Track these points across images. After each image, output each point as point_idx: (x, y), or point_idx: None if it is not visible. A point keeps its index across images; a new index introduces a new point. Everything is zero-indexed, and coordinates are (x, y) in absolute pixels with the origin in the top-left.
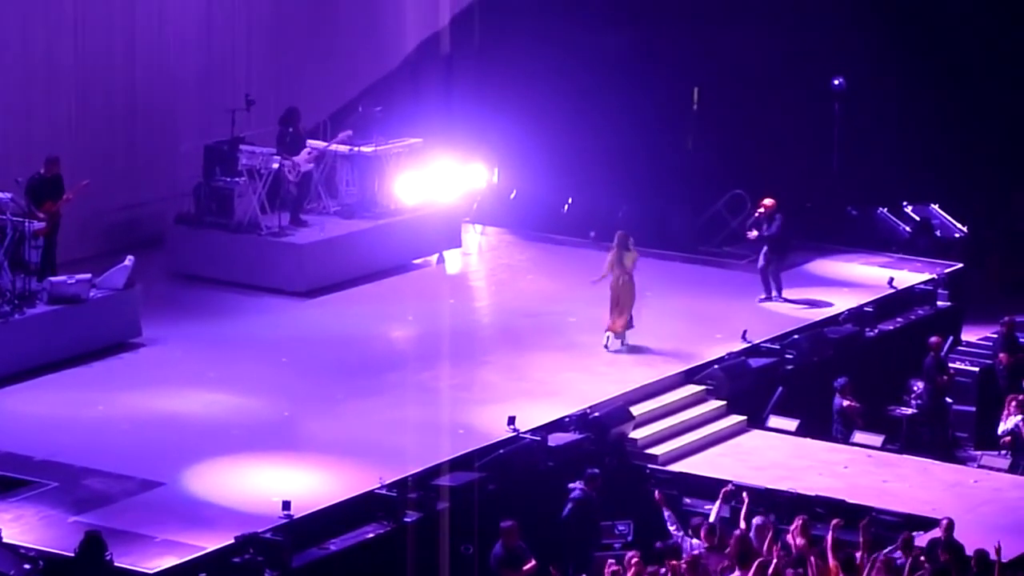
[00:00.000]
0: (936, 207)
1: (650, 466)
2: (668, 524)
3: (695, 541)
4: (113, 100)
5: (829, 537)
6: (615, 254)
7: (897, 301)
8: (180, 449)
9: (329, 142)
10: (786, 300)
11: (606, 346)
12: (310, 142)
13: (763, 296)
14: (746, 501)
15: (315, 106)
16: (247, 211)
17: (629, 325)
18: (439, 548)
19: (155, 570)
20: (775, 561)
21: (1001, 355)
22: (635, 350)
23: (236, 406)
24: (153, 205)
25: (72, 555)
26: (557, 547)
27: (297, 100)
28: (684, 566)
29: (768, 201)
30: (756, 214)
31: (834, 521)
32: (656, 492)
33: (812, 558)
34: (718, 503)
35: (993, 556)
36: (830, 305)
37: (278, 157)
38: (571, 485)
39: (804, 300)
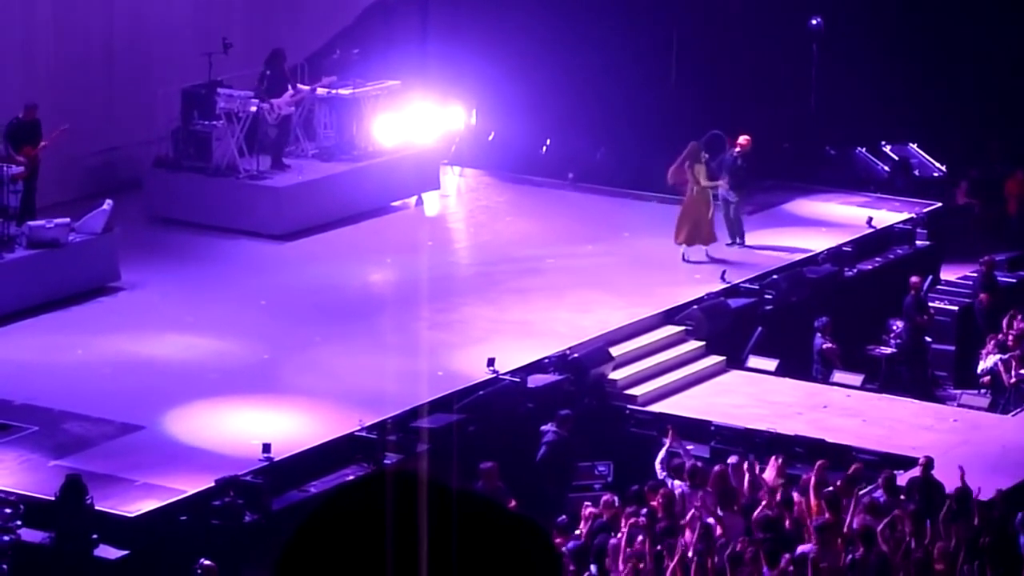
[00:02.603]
0: (914, 146)
1: (629, 407)
2: (658, 463)
3: (677, 482)
4: (91, 44)
5: (812, 478)
6: (686, 166)
7: (876, 241)
8: (159, 393)
9: (313, 86)
10: (747, 247)
11: (684, 257)
12: (298, 86)
13: (729, 241)
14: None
15: (292, 49)
16: (225, 154)
17: (712, 238)
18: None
19: (136, 513)
20: (763, 503)
21: (981, 295)
22: (616, 289)
23: (215, 350)
24: (131, 149)
25: (53, 499)
26: (535, 488)
27: (274, 43)
28: (659, 505)
29: (743, 139)
30: (734, 153)
31: (819, 462)
32: (670, 428)
33: (796, 497)
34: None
35: (977, 496)
36: (809, 247)
37: (256, 100)
38: (544, 428)
39: (783, 241)
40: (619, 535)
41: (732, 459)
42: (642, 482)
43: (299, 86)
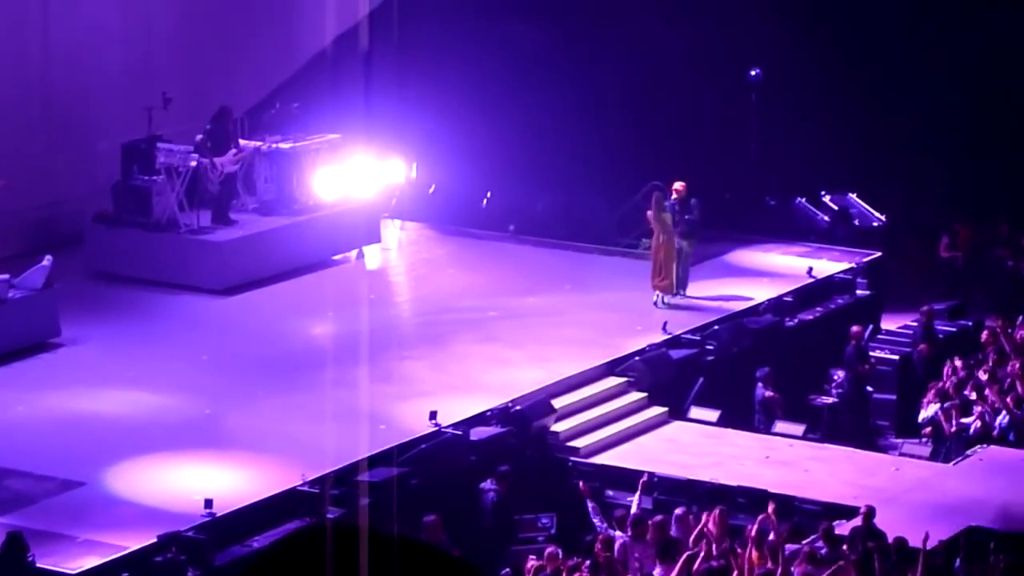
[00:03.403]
0: (854, 196)
1: (572, 459)
2: (592, 516)
3: (618, 533)
4: (29, 99)
5: (754, 528)
6: (655, 214)
7: (816, 290)
8: (101, 449)
9: (258, 145)
10: (689, 297)
11: (656, 303)
12: (242, 142)
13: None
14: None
15: (232, 103)
16: (166, 209)
17: (672, 288)
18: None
19: (77, 570)
20: (702, 553)
21: (921, 345)
22: (558, 341)
23: (157, 405)
24: (71, 204)
25: None
26: (478, 542)
27: (215, 97)
28: (603, 557)
29: (679, 185)
30: (668, 201)
31: (760, 516)
32: (580, 483)
33: (738, 549)
34: (638, 494)
35: (919, 545)
36: (750, 297)
37: (196, 155)
38: (483, 485)
39: (723, 291)
40: None
41: (679, 510)
42: (584, 534)
43: (243, 143)
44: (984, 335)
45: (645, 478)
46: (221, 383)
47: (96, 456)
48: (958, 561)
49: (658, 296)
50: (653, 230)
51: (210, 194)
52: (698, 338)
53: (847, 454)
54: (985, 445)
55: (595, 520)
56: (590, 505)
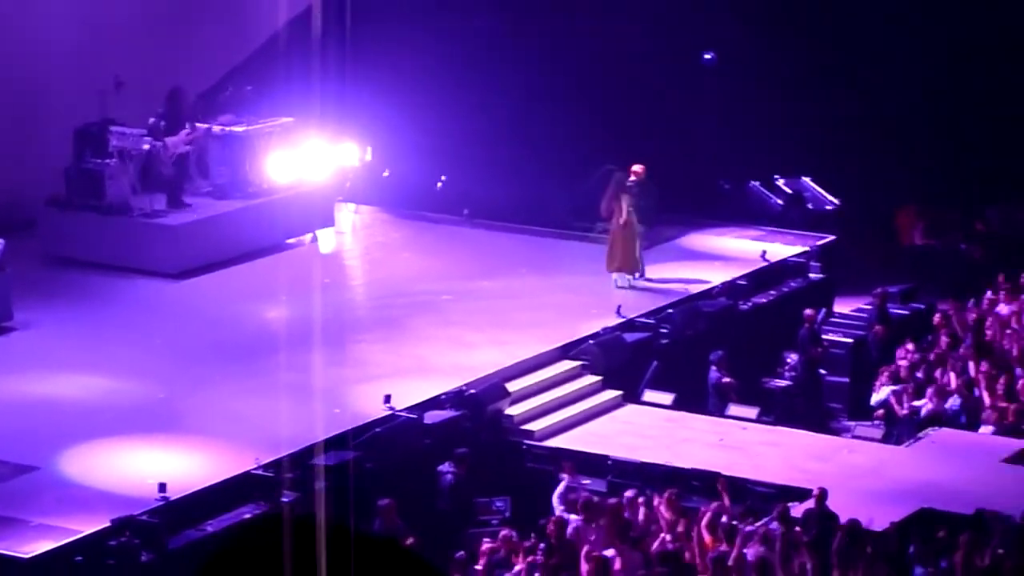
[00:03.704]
0: (808, 180)
1: (526, 442)
2: (556, 499)
3: (572, 516)
4: None
5: (708, 510)
6: (614, 194)
7: (770, 274)
8: (54, 433)
9: (209, 125)
10: (645, 280)
11: (618, 284)
12: (192, 124)
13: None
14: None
15: (185, 85)
16: (119, 193)
17: (639, 266)
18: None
19: (31, 554)
20: (662, 537)
21: (876, 327)
22: (513, 324)
23: (110, 389)
24: (24, 188)
25: None
26: (433, 525)
27: (167, 80)
28: (555, 541)
29: (638, 168)
30: (628, 183)
31: (714, 504)
32: (564, 463)
33: (691, 531)
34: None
35: (871, 526)
36: (704, 280)
37: (149, 138)
38: (441, 468)
39: (678, 275)
40: (516, 570)
41: (629, 493)
42: (539, 517)
43: (195, 125)
44: (936, 318)
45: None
46: (175, 367)
47: (49, 440)
48: (912, 546)
49: (619, 277)
50: (612, 212)
51: (164, 177)
52: (652, 321)
53: (800, 437)
54: (937, 427)
55: (555, 502)
56: (565, 484)
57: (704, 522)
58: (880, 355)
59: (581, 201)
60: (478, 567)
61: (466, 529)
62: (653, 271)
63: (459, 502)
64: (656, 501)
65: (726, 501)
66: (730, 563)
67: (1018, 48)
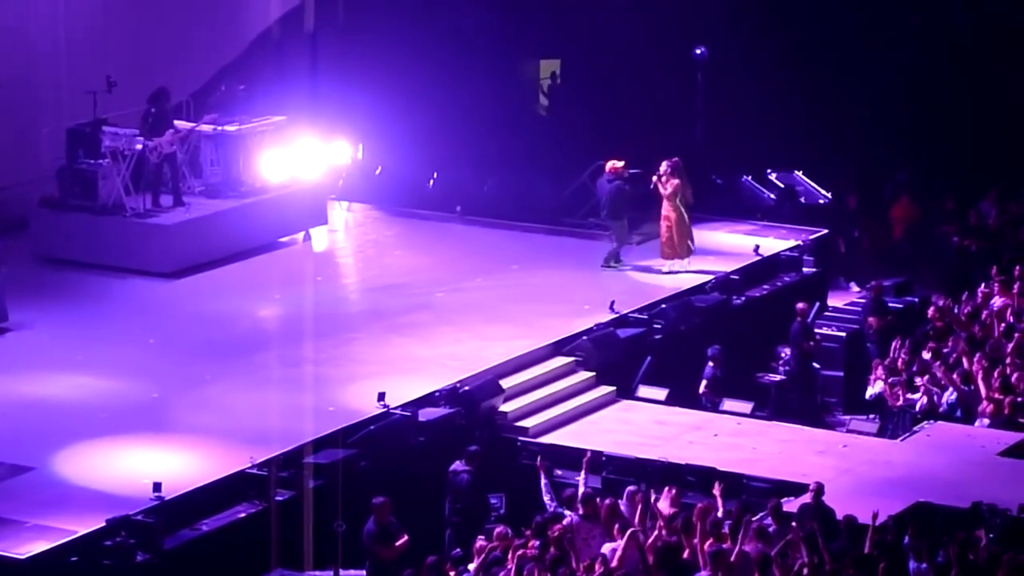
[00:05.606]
0: (800, 174)
1: (521, 439)
2: (544, 494)
3: (568, 512)
4: None
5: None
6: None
7: (763, 268)
8: (49, 433)
9: (196, 123)
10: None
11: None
12: (177, 123)
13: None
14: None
15: (177, 85)
16: (111, 193)
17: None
18: (305, 526)
19: (26, 555)
20: (655, 532)
21: (871, 319)
22: (506, 321)
23: (104, 389)
24: (16, 189)
25: None
26: (431, 523)
27: (159, 79)
28: (552, 536)
29: (613, 163)
30: (608, 178)
31: (707, 502)
32: (539, 459)
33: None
34: (583, 473)
35: (868, 521)
36: (697, 274)
37: (141, 138)
38: (454, 467)
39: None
40: (508, 567)
41: (629, 488)
42: (534, 514)
43: (179, 124)
44: (930, 311)
45: (589, 456)
46: (169, 366)
47: (44, 441)
48: (906, 537)
49: (675, 263)
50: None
51: (153, 177)
52: (645, 317)
53: (795, 431)
54: (932, 421)
55: (546, 498)
56: (543, 482)
57: (701, 516)
58: (875, 348)
59: (572, 197)
60: (473, 564)
61: (484, 525)
62: (645, 267)
63: (477, 501)
64: (654, 497)
65: (718, 502)
66: (732, 559)
67: (1010, 39)
